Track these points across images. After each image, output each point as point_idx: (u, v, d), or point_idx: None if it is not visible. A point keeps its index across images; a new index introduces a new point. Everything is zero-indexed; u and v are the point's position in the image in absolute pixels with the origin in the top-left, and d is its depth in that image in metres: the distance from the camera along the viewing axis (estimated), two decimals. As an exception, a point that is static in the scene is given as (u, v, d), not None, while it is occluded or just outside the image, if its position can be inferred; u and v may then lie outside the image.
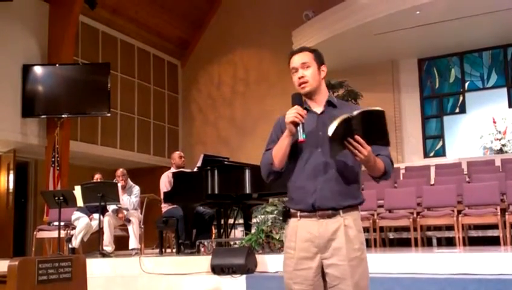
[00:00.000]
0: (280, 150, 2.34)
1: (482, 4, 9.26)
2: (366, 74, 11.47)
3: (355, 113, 2.17)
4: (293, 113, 2.26)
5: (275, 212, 6.16)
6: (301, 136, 2.25)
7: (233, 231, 7.74)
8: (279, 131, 2.43)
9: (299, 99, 2.34)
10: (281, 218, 6.05)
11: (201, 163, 6.33)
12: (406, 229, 7.68)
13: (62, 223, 6.97)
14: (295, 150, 2.33)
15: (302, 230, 2.32)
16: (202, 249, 6.27)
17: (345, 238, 2.26)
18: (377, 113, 2.18)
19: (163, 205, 6.97)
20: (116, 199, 6.87)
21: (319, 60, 2.43)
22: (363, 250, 2.31)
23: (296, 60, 2.42)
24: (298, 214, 2.34)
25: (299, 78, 2.40)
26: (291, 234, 2.36)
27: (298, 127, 2.26)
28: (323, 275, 2.30)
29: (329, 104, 2.43)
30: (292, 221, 2.37)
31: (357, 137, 2.16)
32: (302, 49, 2.47)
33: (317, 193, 2.28)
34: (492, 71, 11.44)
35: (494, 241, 7.05)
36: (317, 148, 2.32)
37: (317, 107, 2.42)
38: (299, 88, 2.41)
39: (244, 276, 4.94)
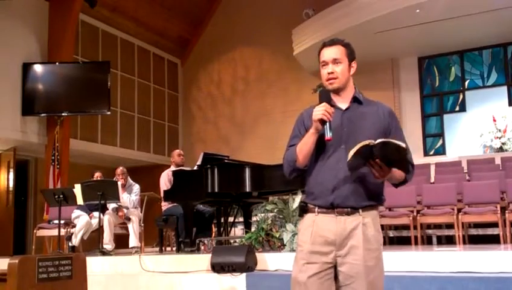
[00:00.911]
0: (305, 147, 2.27)
1: (482, 2, 9.24)
2: (366, 72, 11.40)
3: (377, 141, 2.11)
4: (321, 110, 2.19)
5: (275, 210, 6.15)
6: (328, 135, 2.20)
7: (233, 229, 7.75)
8: (302, 126, 2.37)
9: (327, 96, 2.28)
10: (281, 216, 6.05)
11: (201, 161, 6.34)
12: (406, 227, 7.68)
13: (62, 222, 6.98)
14: (319, 146, 2.27)
15: (319, 225, 2.26)
16: (202, 248, 6.27)
17: (363, 237, 2.21)
18: (396, 147, 2.12)
19: (163, 203, 6.98)
20: (116, 197, 6.88)
21: (351, 56, 2.36)
22: (380, 250, 2.27)
23: (328, 54, 2.34)
24: (316, 209, 2.28)
25: (329, 73, 2.32)
26: (306, 227, 2.30)
27: (325, 125, 2.20)
28: (335, 274, 2.25)
29: (355, 100, 2.36)
30: (309, 216, 2.31)
31: (378, 161, 2.13)
32: (334, 42, 2.38)
33: (337, 191, 2.23)
34: (492, 69, 11.42)
35: (494, 240, 7.06)
36: (340, 145, 2.27)
37: (343, 103, 2.35)
38: (326, 83, 2.33)
39: (244, 274, 4.94)
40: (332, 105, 2.28)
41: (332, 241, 2.23)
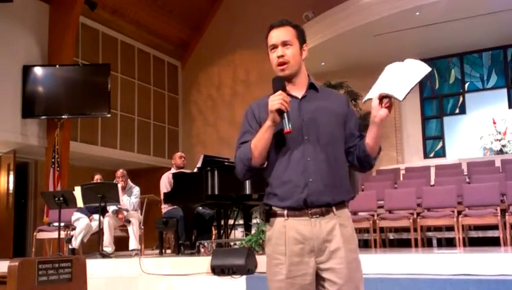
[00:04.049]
0: (261, 143, 2.02)
1: (481, 5, 9.27)
2: (366, 75, 11.35)
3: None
4: (277, 99, 1.97)
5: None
6: (287, 126, 1.96)
7: (233, 231, 7.75)
8: (253, 120, 2.17)
9: (281, 84, 2.07)
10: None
11: (201, 164, 6.34)
12: (406, 229, 7.68)
13: (62, 224, 6.97)
14: (277, 140, 2.04)
15: (291, 231, 2.03)
16: (202, 250, 6.27)
17: (342, 238, 2.01)
18: None
19: (163, 205, 6.98)
20: (116, 200, 6.88)
21: (302, 38, 2.15)
22: (358, 251, 2.09)
23: (276, 36, 2.13)
24: (285, 213, 2.04)
25: (279, 57, 2.13)
26: (278, 236, 2.05)
27: (283, 116, 1.98)
28: (317, 281, 2.05)
29: (311, 86, 2.17)
30: (278, 221, 2.06)
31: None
32: (283, 23, 2.15)
33: (310, 187, 2.00)
34: (492, 72, 11.45)
35: (494, 242, 7.05)
36: (303, 137, 2.05)
37: (298, 91, 2.15)
38: (277, 69, 2.15)
39: (244, 277, 4.93)
40: (288, 94, 2.06)
41: (310, 248, 2.01)
